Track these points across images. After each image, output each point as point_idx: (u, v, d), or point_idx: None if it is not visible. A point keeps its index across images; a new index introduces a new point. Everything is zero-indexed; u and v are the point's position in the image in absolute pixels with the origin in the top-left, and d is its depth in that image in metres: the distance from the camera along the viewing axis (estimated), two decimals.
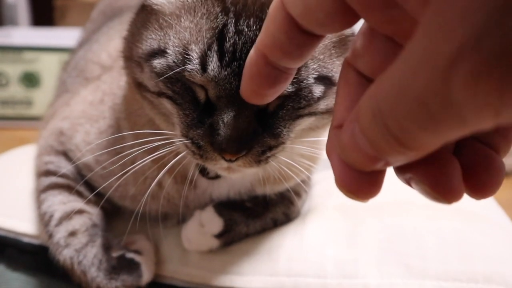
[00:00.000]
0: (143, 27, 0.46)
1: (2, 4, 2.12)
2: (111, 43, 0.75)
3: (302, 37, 0.26)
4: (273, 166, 0.49)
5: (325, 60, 0.44)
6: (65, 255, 0.55)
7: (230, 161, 0.43)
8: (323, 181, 0.74)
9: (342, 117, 0.27)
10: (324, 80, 0.44)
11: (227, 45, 0.40)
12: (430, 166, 0.22)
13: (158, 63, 0.43)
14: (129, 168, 0.52)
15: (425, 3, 0.19)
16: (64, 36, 1.50)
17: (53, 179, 0.63)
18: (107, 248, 0.57)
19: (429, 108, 0.18)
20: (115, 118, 0.60)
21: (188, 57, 0.41)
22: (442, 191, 0.22)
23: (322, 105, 0.45)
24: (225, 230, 0.57)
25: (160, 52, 0.43)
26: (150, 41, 0.44)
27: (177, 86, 0.43)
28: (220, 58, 0.40)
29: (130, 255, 0.57)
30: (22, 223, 0.65)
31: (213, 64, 0.40)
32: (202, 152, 0.43)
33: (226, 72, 0.40)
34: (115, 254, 0.57)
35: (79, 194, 0.62)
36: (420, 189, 0.23)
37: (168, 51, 0.42)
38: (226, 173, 0.47)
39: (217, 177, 0.55)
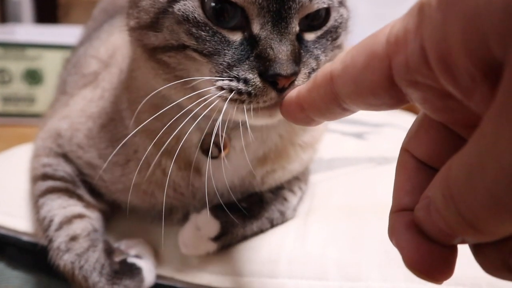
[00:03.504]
0: None
1: (5, 1, 2.12)
2: (110, 38, 0.74)
3: (340, 110, 0.28)
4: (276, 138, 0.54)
5: None
6: (66, 260, 0.54)
7: (282, 90, 0.41)
8: (325, 181, 0.73)
9: (403, 201, 0.27)
10: (343, 2, 0.48)
11: None
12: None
13: (183, 4, 0.42)
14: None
15: (491, 101, 0.18)
16: (68, 33, 1.49)
17: (51, 183, 0.62)
18: (109, 253, 0.56)
19: (501, 200, 0.17)
20: (117, 111, 0.59)
21: None
22: None
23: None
24: (222, 232, 0.57)
25: None
26: None
27: (204, 30, 0.42)
28: None
29: (131, 259, 0.56)
30: (22, 221, 0.64)
31: None
32: (251, 88, 0.41)
33: None
34: (117, 258, 0.56)
35: (79, 198, 0.62)
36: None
37: None
38: (267, 117, 0.44)
39: (219, 156, 0.54)
